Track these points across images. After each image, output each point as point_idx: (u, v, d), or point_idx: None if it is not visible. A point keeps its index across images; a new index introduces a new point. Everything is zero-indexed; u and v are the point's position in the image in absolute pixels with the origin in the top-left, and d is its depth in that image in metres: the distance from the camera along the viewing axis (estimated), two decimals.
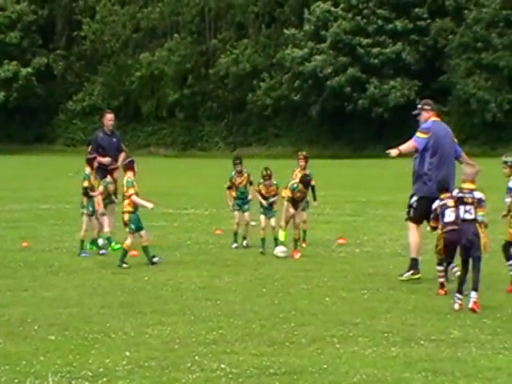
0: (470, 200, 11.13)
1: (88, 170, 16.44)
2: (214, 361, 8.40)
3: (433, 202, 12.60)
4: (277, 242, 15.99)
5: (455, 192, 11.37)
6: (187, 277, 13.50)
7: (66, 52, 77.26)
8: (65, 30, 77.78)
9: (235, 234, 17.10)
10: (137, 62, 74.19)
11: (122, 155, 17.87)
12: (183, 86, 73.36)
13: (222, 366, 8.21)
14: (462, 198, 11.17)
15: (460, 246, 11.16)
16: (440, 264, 12.13)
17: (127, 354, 8.68)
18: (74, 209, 25.14)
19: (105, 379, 7.83)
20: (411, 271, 12.90)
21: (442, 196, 12.04)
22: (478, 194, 11.19)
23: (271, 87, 70.14)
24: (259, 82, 70.26)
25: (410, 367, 8.11)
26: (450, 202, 11.71)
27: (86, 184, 16.26)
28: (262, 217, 16.52)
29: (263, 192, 16.54)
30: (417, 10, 66.09)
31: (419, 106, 13.58)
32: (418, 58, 66.08)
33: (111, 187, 16.71)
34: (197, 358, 8.52)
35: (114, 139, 17.89)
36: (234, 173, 17.43)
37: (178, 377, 7.88)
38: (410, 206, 13.25)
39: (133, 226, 14.80)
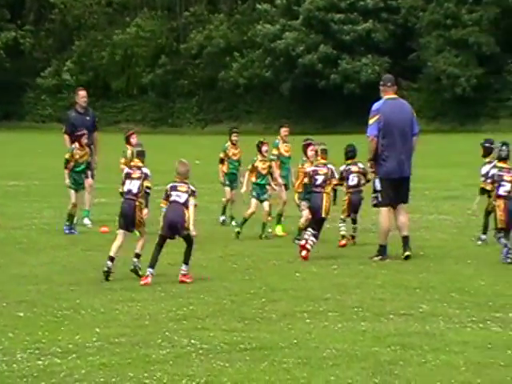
0: None
1: (76, 144, 16.18)
2: (184, 337, 8.40)
3: (392, 182, 12.60)
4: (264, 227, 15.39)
5: None
6: None
7: (34, 27, 76.37)
8: (34, 5, 76.82)
9: (224, 207, 17.03)
10: (107, 38, 73.52)
11: (95, 134, 17.62)
12: (155, 64, 72.91)
13: (193, 341, 8.22)
14: None
15: None
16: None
17: (97, 330, 8.66)
18: (43, 185, 25.05)
19: (74, 355, 7.80)
20: (379, 257, 12.75)
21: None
22: None
23: (243, 66, 69.90)
24: (231, 62, 69.99)
25: (379, 342, 8.16)
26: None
27: (67, 156, 16.06)
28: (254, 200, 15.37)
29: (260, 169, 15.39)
30: None
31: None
32: (388, 37, 66.24)
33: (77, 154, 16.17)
34: (167, 334, 8.52)
35: (88, 117, 17.68)
36: (227, 144, 17.08)
37: (149, 353, 7.87)
38: (376, 191, 13.02)
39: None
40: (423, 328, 8.62)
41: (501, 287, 10.40)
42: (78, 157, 16.14)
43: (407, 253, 12.67)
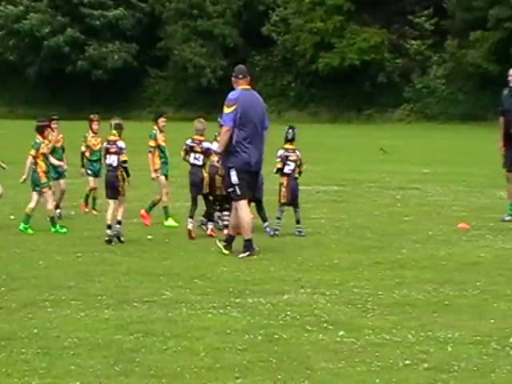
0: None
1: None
2: None
3: (250, 174, 12.20)
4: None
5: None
6: None
7: None
8: None
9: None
10: None
11: None
12: None
13: None
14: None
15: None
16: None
17: None
18: None
19: None
20: (247, 253, 11.99)
21: None
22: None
23: None
24: None
25: (121, 329, 8.15)
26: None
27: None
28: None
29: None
30: None
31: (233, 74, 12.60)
32: (135, 24, 66.46)
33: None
34: None
35: None
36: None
37: None
38: (233, 184, 12.18)
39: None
40: (166, 315, 8.71)
41: (241, 273, 10.71)
42: None
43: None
